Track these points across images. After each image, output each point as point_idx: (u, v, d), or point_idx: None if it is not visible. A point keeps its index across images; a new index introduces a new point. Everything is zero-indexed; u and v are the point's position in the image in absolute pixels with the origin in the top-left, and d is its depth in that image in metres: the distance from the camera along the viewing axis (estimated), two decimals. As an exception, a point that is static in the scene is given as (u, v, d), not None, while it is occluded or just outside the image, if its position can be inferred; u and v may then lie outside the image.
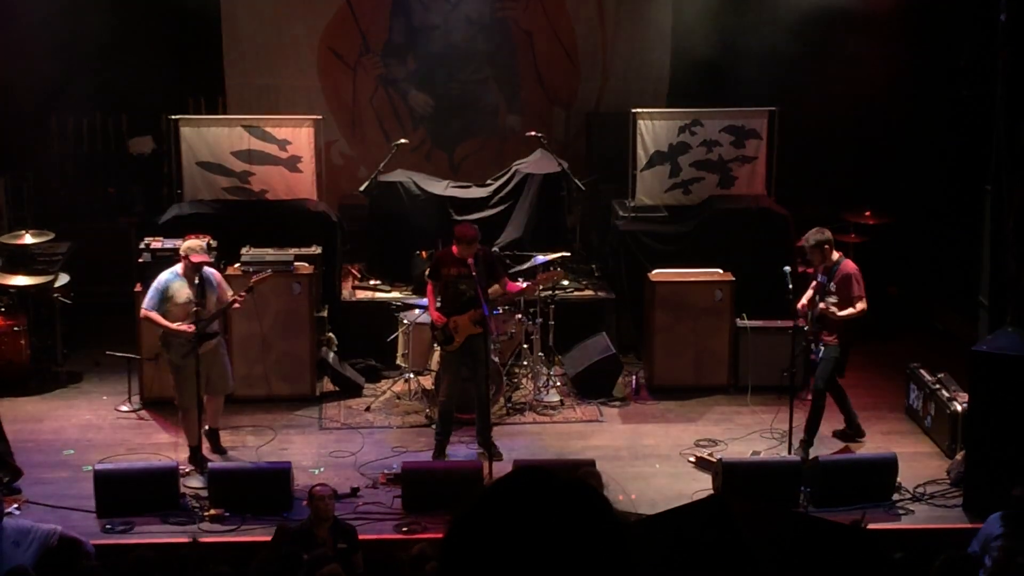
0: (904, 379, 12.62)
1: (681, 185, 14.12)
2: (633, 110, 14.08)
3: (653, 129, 14.04)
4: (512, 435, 12.07)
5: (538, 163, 14.35)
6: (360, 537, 9.57)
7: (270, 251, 12.78)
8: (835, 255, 11.45)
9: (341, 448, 11.81)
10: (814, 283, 11.55)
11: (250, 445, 11.83)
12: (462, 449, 11.67)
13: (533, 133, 14.35)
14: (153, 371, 12.38)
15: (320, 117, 14.10)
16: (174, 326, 10.87)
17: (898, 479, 10.89)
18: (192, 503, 10.58)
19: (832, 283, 11.35)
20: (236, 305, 11.18)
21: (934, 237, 15.33)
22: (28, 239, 13.44)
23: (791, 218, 13.60)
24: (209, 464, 10.98)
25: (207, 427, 11.41)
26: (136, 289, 12.49)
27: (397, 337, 12.89)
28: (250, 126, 13.84)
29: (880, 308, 14.58)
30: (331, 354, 13.11)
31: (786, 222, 13.59)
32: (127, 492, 10.43)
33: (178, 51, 15.27)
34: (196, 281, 10.98)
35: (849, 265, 11.44)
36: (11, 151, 15.31)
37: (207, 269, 11.14)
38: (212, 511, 10.35)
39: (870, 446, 11.77)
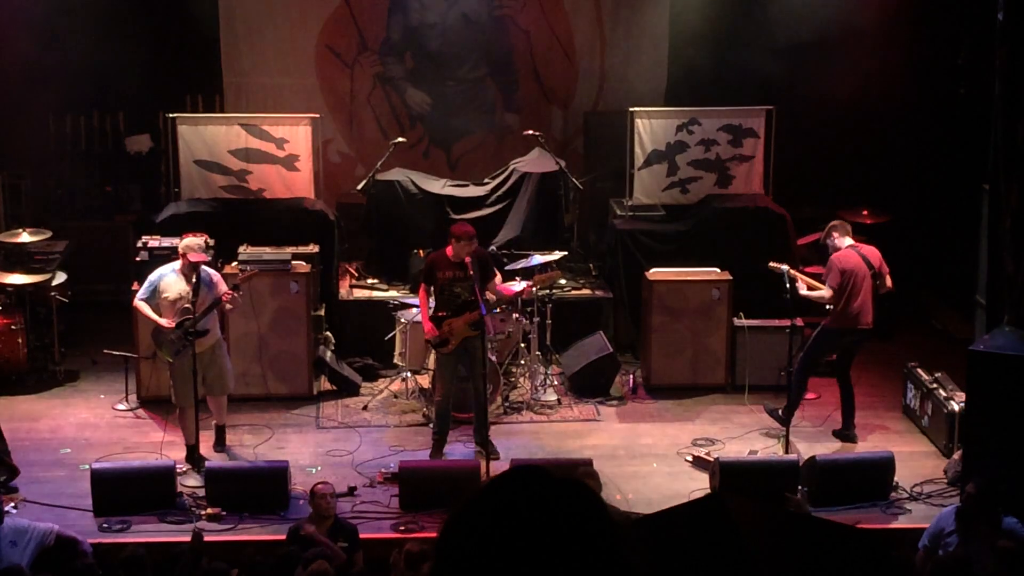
0: (901, 378, 12.62)
1: (679, 184, 14.12)
2: (631, 109, 14.07)
3: (651, 128, 14.04)
4: (509, 434, 12.07)
5: (536, 162, 14.35)
6: (359, 538, 9.57)
7: (267, 250, 12.78)
8: (843, 241, 11.62)
9: (338, 447, 11.81)
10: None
11: (247, 444, 11.82)
12: (459, 448, 11.67)
13: (531, 132, 14.34)
14: (150, 370, 12.37)
15: (318, 116, 14.09)
16: (156, 319, 10.87)
17: (895, 478, 10.90)
18: (189, 502, 10.57)
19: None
20: (227, 304, 11.13)
21: (931, 236, 15.34)
22: (25, 237, 13.44)
23: (788, 217, 13.61)
24: (206, 463, 10.98)
25: (215, 423, 11.43)
26: (133, 287, 12.48)
27: (394, 336, 12.88)
28: (248, 124, 13.83)
29: (878, 307, 14.64)
30: (328, 353, 13.10)
31: (783, 221, 13.60)
32: (124, 491, 10.43)
33: (176, 49, 15.26)
34: (193, 279, 10.97)
35: (840, 254, 11.51)
36: (8, 149, 15.30)
37: (204, 268, 11.13)
38: (209, 510, 10.35)
39: (867, 445, 11.77)
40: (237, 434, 11.96)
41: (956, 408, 11.40)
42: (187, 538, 9.39)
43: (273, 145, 13.78)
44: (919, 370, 12.33)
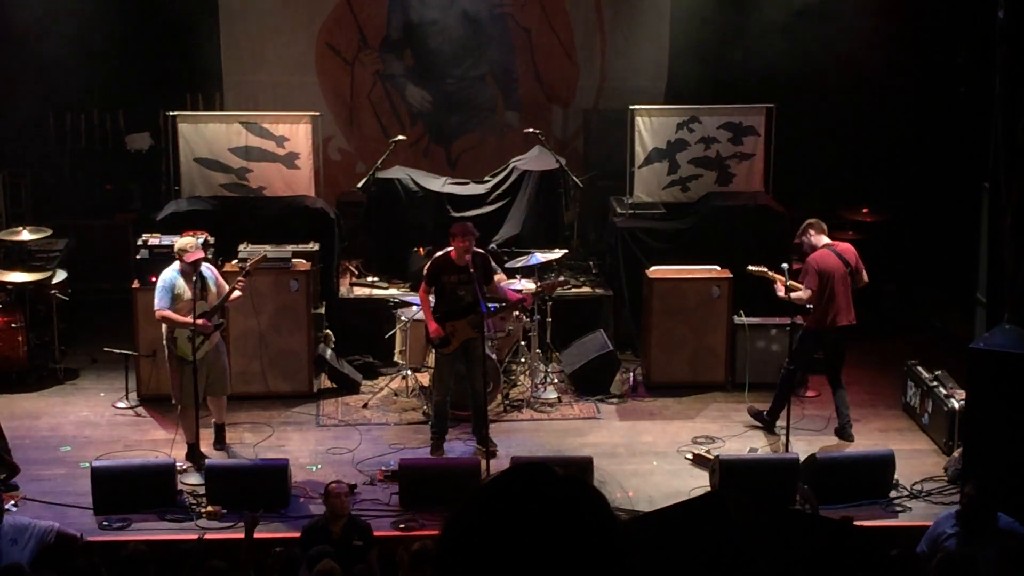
0: (902, 376, 12.62)
1: (679, 182, 14.12)
2: (631, 107, 14.07)
3: (651, 126, 14.03)
4: (510, 432, 12.07)
5: (536, 160, 14.35)
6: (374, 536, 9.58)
7: (268, 247, 12.77)
8: (820, 240, 11.66)
9: (339, 445, 11.81)
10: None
11: (247, 442, 11.82)
12: (459, 446, 11.68)
13: (531, 130, 14.34)
14: (150, 368, 12.37)
15: (318, 113, 14.09)
16: (190, 320, 10.86)
17: (895, 476, 10.90)
18: (189, 500, 10.58)
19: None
20: (237, 292, 11.16)
21: (932, 234, 15.34)
22: (26, 235, 13.44)
23: (789, 215, 13.60)
24: (206, 461, 10.98)
25: (215, 422, 11.43)
26: (134, 286, 12.50)
27: (395, 334, 12.88)
28: (248, 122, 13.83)
29: (878, 305, 14.65)
30: (329, 351, 13.10)
31: (784, 219, 13.59)
32: (124, 489, 10.43)
33: (176, 47, 15.25)
34: (194, 278, 10.97)
35: (817, 254, 11.56)
36: (9, 147, 15.30)
37: (203, 264, 11.14)
38: (209, 508, 10.36)
39: (867, 443, 11.77)
40: (237, 432, 11.97)
41: (956, 406, 11.40)
42: (187, 536, 9.42)
43: (273, 143, 13.78)
44: (919, 368, 12.33)
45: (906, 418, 12.45)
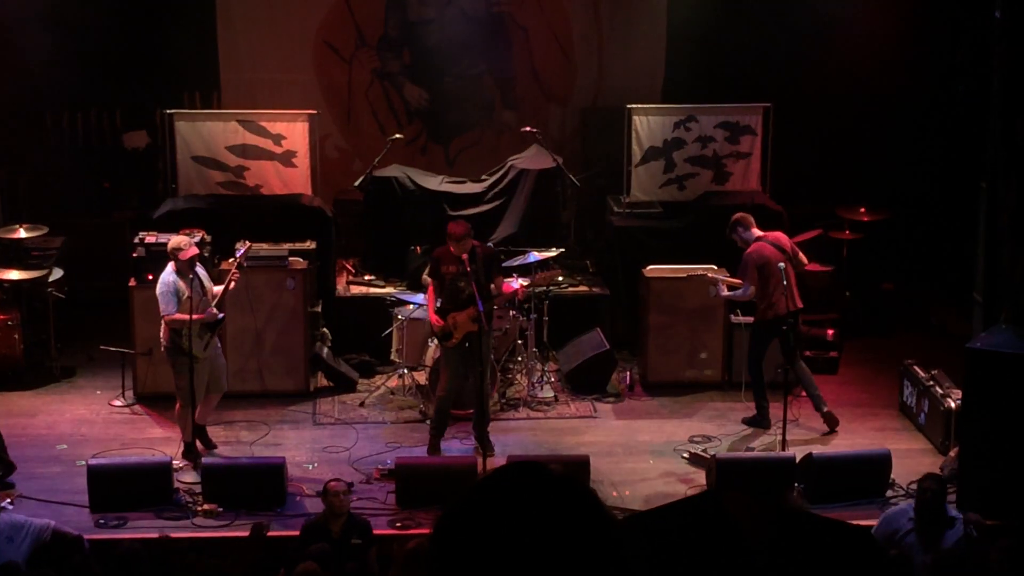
0: (898, 375, 12.62)
1: (676, 181, 14.12)
2: (628, 106, 14.06)
3: (648, 125, 14.03)
4: (506, 431, 12.06)
5: (533, 159, 14.34)
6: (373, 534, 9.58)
7: (264, 246, 12.77)
8: (751, 234, 11.83)
9: (335, 443, 11.81)
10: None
11: (244, 440, 11.82)
12: (456, 444, 11.67)
13: (528, 128, 14.33)
14: (147, 366, 12.37)
15: (315, 112, 14.07)
16: (202, 316, 10.87)
17: (892, 476, 10.90)
18: (186, 498, 10.56)
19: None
20: (232, 284, 11.18)
21: (929, 233, 15.34)
22: (22, 233, 13.43)
23: (785, 214, 13.59)
24: (203, 459, 10.97)
25: (196, 423, 11.41)
26: (131, 284, 12.49)
27: (391, 332, 12.88)
28: (245, 120, 13.82)
29: (875, 304, 14.66)
30: (325, 349, 13.09)
31: (780, 218, 13.57)
32: (120, 487, 10.42)
33: (173, 45, 15.23)
34: (191, 275, 10.95)
35: (752, 249, 11.74)
36: (5, 145, 15.28)
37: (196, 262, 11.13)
38: (205, 506, 10.35)
39: (864, 442, 11.78)
40: (234, 430, 11.96)
41: (952, 405, 11.40)
42: (184, 534, 9.42)
43: (270, 141, 13.77)
44: (916, 367, 12.33)
45: (902, 418, 12.45)
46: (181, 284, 10.92)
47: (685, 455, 11.58)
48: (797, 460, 10.87)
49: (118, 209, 15.66)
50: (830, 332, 13.48)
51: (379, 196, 14.05)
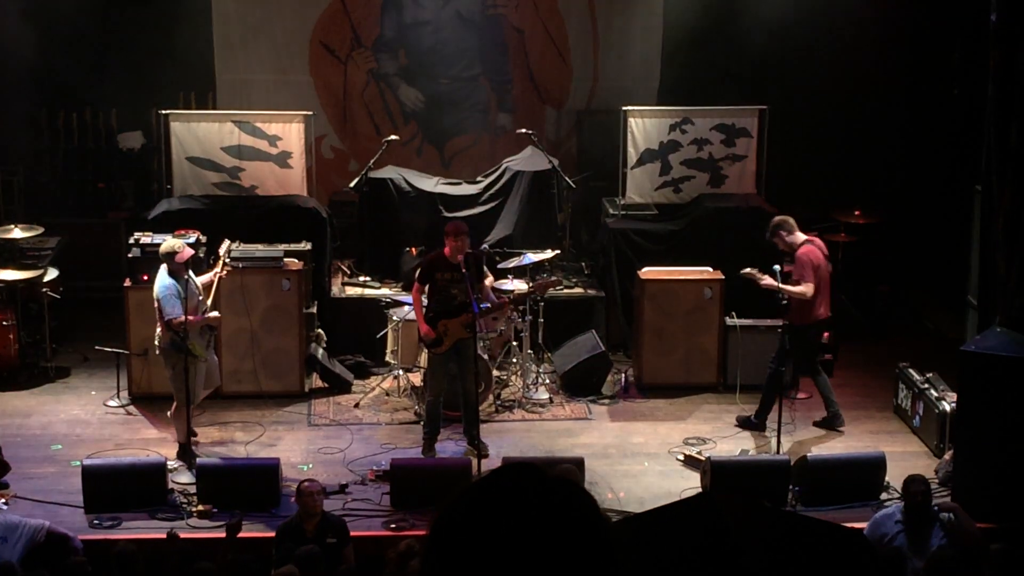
0: (893, 378, 12.63)
1: (671, 183, 14.13)
2: (624, 108, 14.08)
3: (644, 127, 14.04)
4: (500, 432, 12.07)
5: (529, 160, 14.35)
6: (349, 533, 9.58)
7: (259, 247, 12.77)
8: (798, 237, 11.71)
9: (330, 444, 11.81)
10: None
11: (239, 441, 11.81)
12: (450, 446, 11.67)
13: (524, 130, 14.34)
14: (142, 366, 12.37)
15: (311, 113, 14.08)
16: (208, 317, 10.90)
17: (886, 478, 10.90)
18: (180, 499, 10.55)
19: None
20: (223, 275, 11.24)
21: (924, 237, 15.36)
22: (17, 233, 13.42)
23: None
24: (197, 460, 10.95)
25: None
26: (125, 284, 12.48)
27: (386, 334, 12.88)
28: (240, 121, 13.82)
29: (870, 307, 14.67)
30: (320, 350, 13.09)
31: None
32: (115, 487, 10.41)
33: (169, 46, 15.23)
34: (185, 277, 10.95)
35: (806, 249, 11.65)
36: (1, 145, 15.28)
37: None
38: (200, 507, 10.34)
39: (858, 445, 11.79)
40: (228, 431, 11.96)
41: (947, 408, 11.42)
42: (181, 535, 9.41)
43: (266, 142, 13.77)
44: (911, 370, 12.35)
45: (897, 420, 12.46)
46: (180, 286, 10.91)
47: (680, 457, 11.58)
48: (792, 462, 10.87)
49: (113, 210, 15.67)
50: (825, 335, 13.47)
51: (375, 197, 14.05)
